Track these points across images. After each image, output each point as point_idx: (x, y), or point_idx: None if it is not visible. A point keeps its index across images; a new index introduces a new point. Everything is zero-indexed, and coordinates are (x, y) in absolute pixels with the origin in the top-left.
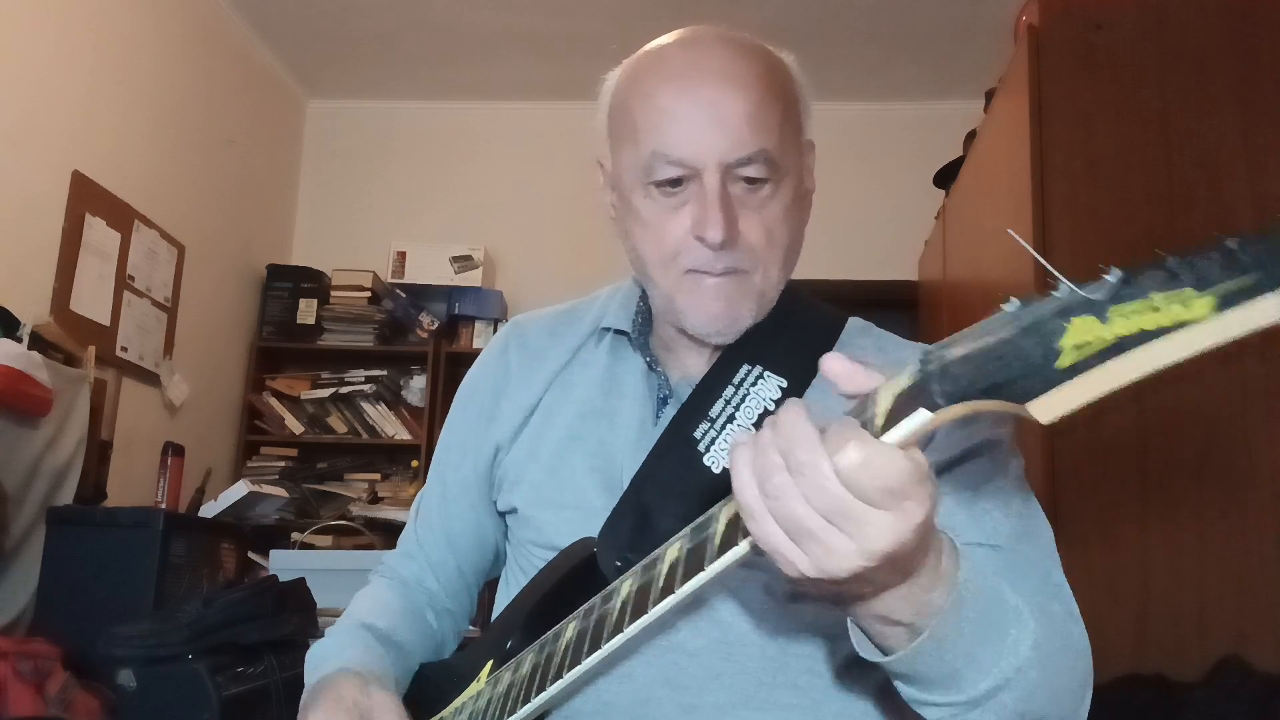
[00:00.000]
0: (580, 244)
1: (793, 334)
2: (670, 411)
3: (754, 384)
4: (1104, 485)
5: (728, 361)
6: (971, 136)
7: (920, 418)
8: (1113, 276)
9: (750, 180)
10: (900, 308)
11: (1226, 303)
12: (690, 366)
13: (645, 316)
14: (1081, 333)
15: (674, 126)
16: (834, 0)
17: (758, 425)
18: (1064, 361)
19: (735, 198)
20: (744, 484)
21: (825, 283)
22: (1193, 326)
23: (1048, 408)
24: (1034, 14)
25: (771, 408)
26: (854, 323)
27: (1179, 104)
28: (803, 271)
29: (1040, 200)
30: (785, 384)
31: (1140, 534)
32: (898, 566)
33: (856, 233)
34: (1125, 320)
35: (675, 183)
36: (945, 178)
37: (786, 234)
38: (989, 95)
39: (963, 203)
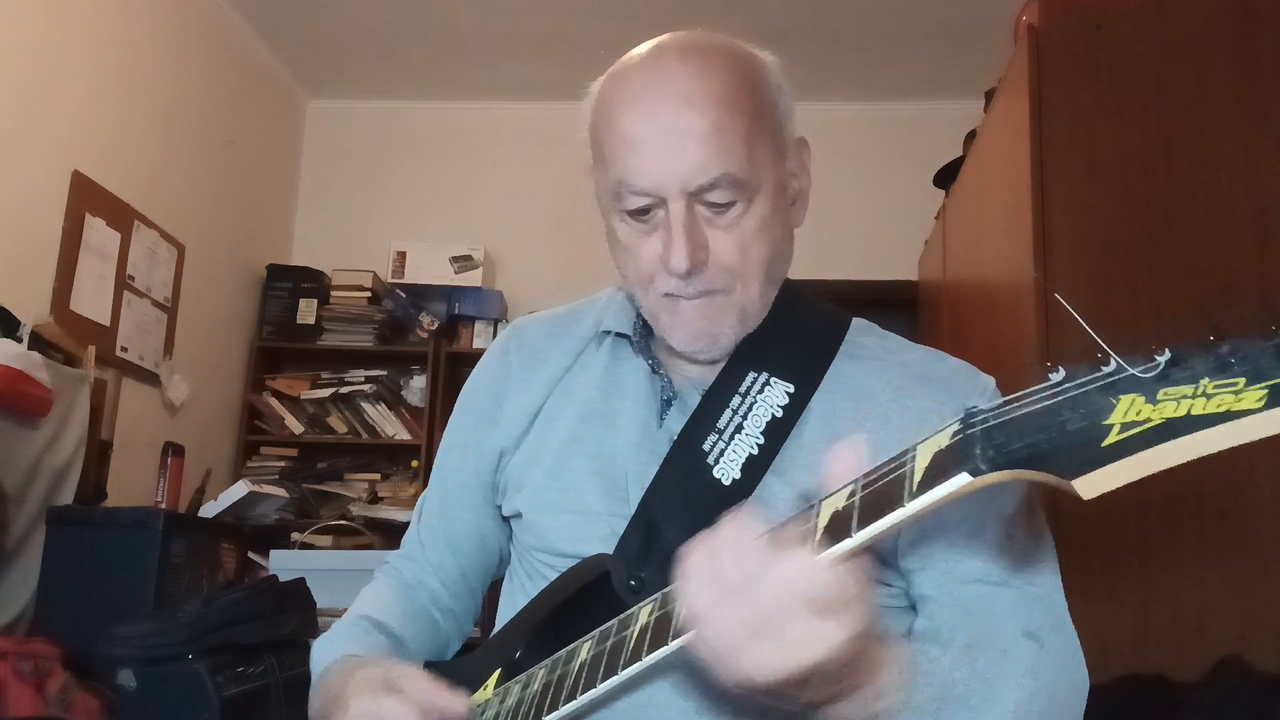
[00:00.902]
0: (580, 244)
1: (797, 337)
2: (674, 415)
3: (760, 391)
4: None
5: (734, 369)
6: (971, 136)
7: (959, 480)
8: (1163, 357)
9: (716, 204)
10: (900, 308)
11: (1278, 397)
12: (692, 370)
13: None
14: (1129, 411)
15: (635, 156)
16: (833, 0)
17: (766, 433)
18: (1110, 439)
19: (704, 219)
20: (688, 592)
21: (825, 283)
22: (1243, 418)
23: (1091, 485)
24: (1034, 14)
25: (779, 414)
26: (858, 323)
27: (1179, 104)
28: (803, 271)
29: (1040, 200)
30: (792, 389)
31: (1140, 533)
32: (828, 679)
33: (856, 233)
34: (1174, 404)
35: (644, 211)
36: (945, 178)
37: (765, 247)
38: (989, 95)
39: (963, 203)
